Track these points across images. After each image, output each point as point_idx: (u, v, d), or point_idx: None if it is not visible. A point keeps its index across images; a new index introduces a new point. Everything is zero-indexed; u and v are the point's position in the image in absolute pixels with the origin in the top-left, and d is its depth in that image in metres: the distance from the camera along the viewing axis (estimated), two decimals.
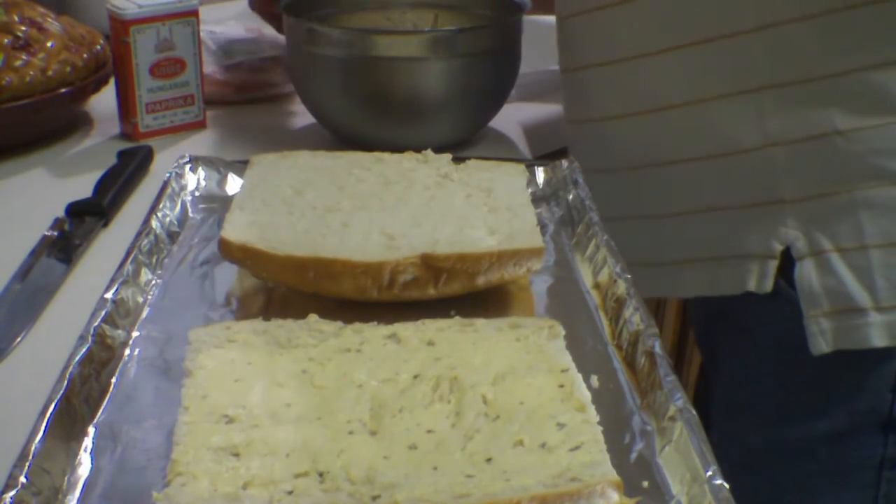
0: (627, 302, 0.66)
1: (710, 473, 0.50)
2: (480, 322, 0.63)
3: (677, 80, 0.89)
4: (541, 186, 0.86)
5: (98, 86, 1.04)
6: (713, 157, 0.90)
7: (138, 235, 0.72)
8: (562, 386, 0.57)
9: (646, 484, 0.52)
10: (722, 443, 0.93)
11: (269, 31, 1.17)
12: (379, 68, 0.93)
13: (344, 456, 0.51)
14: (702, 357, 1.15)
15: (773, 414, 0.95)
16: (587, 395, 0.56)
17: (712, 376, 1.05)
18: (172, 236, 0.77)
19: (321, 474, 0.50)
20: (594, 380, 0.60)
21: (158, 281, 0.71)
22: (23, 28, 0.99)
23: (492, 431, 0.53)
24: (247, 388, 0.56)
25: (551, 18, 1.03)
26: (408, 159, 0.83)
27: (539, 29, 1.16)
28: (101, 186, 0.88)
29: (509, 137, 1.05)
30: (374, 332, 0.62)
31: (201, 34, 1.03)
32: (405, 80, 0.94)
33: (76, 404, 0.56)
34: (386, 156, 0.83)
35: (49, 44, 0.99)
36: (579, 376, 0.58)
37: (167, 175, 0.82)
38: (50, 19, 1.03)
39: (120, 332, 0.64)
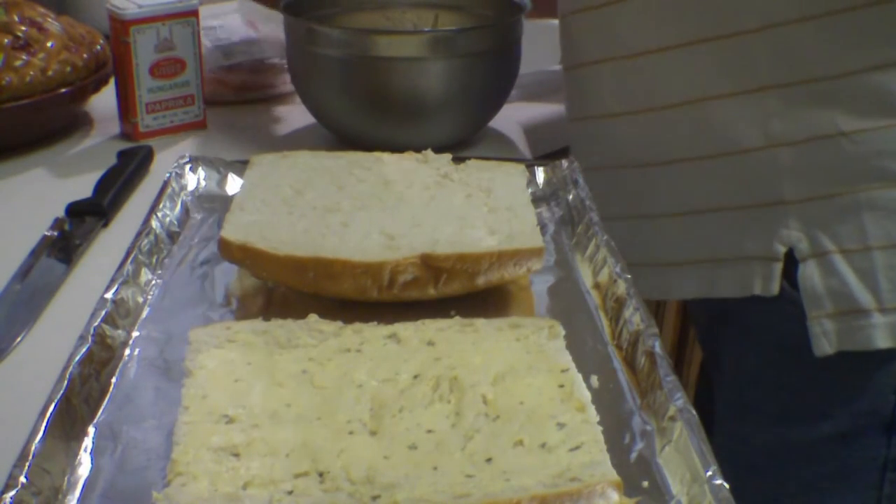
0: (627, 302, 0.66)
1: (710, 473, 0.50)
2: (480, 322, 0.63)
3: (679, 78, 0.89)
4: (541, 186, 0.86)
5: (98, 86, 1.04)
6: (715, 157, 0.90)
7: (138, 235, 0.72)
8: (562, 386, 0.57)
9: (646, 484, 0.52)
10: (725, 444, 0.93)
11: (266, 26, 1.17)
12: (379, 68, 0.93)
13: (344, 456, 0.51)
14: (703, 357, 1.15)
15: (776, 415, 0.95)
16: (587, 395, 0.56)
17: (714, 377, 1.05)
18: (172, 236, 0.77)
19: (321, 474, 0.50)
20: (594, 380, 0.60)
21: (158, 281, 0.71)
22: (23, 28, 0.99)
23: (492, 431, 0.53)
24: (247, 388, 0.56)
25: (551, 20, 1.03)
26: (408, 159, 0.83)
27: (539, 29, 1.16)
28: (101, 186, 0.88)
29: (509, 137, 1.05)
30: (374, 332, 0.62)
31: (201, 33, 1.03)
32: (405, 80, 0.94)
33: (76, 404, 0.56)
34: (386, 156, 0.83)
35: (49, 44, 0.99)
36: (579, 376, 0.58)
37: (167, 175, 0.82)
38: (50, 19, 1.03)
39: (120, 332, 0.64)
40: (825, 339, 0.87)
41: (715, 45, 0.86)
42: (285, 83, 1.14)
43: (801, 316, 0.87)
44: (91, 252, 0.80)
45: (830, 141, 0.85)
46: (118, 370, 0.61)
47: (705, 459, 0.51)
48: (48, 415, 0.53)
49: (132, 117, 1.01)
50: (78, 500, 0.51)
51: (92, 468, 0.53)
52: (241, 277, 0.72)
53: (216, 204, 0.82)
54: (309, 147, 0.85)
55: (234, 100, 1.13)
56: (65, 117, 1.04)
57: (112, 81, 1.03)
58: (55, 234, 0.81)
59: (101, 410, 0.58)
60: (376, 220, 0.72)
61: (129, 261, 0.69)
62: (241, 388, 0.56)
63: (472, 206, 0.75)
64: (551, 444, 0.52)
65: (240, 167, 0.84)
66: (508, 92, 1.02)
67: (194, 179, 0.84)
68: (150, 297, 0.70)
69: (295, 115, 1.08)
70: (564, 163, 0.86)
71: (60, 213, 0.84)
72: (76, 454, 0.54)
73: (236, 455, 0.51)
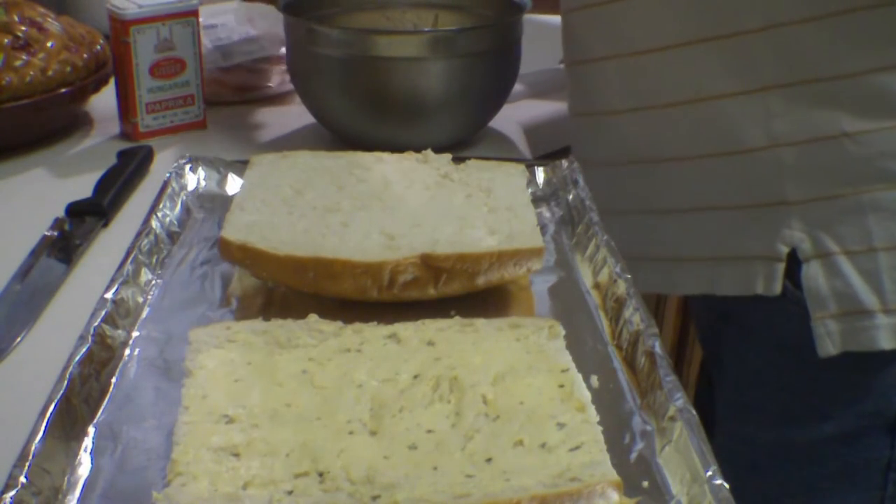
0: (627, 302, 0.66)
1: (710, 473, 0.50)
2: (480, 322, 0.63)
3: (682, 77, 0.89)
4: (541, 186, 0.86)
5: (98, 86, 1.04)
6: (717, 156, 0.89)
7: (138, 235, 0.72)
8: (562, 386, 0.57)
9: (646, 484, 0.52)
10: (726, 444, 0.93)
11: (264, 22, 1.17)
12: (379, 68, 0.93)
13: (344, 456, 0.51)
14: (704, 357, 1.15)
15: (777, 415, 0.95)
16: (587, 395, 0.56)
17: (715, 377, 1.05)
18: (172, 236, 0.77)
19: (321, 474, 0.50)
20: (594, 380, 0.60)
21: (158, 281, 0.71)
22: (23, 28, 0.99)
23: (492, 431, 0.53)
24: (247, 388, 0.56)
25: (551, 18, 1.03)
26: (408, 159, 0.83)
27: (539, 29, 1.16)
28: (101, 186, 0.88)
29: (509, 137, 1.05)
30: (374, 332, 0.62)
31: (201, 33, 1.03)
32: (405, 80, 0.94)
33: (76, 404, 0.56)
34: (386, 156, 0.83)
35: (49, 44, 0.99)
36: (579, 376, 0.58)
37: (167, 175, 0.82)
38: (50, 19, 1.03)
39: (120, 332, 0.64)
40: (829, 340, 0.87)
41: (718, 44, 0.86)
42: (285, 83, 1.14)
43: (804, 316, 0.87)
44: (91, 252, 0.80)
45: (834, 142, 0.85)
46: (118, 370, 0.61)
47: (705, 459, 0.51)
48: (48, 415, 0.53)
49: (132, 117, 1.01)
50: (78, 500, 0.51)
51: (92, 468, 0.53)
52: (241, 277, 0.72)
53: (216, 204, 0.82)
54: (309, 147, 0.85)
55: (233, 100, 1.13)
56: (65, 117, 1.04)
57: (112, 81, 1.03)
58: (55, 234, 0.81)
59: (101, 410, 0.58)
60: (376, 220, 0.72)
61: (129, 261, 0.69)
62: (241, 388, 0.56)
63: (472, 206, 0.75)
64: (551, 444, 0.52)
65: (240, 167, 0.84)
66: (508, 92, 1.02)
67: (194, 179, 0.84)
68: (150, 297, 0.70)
69: (295, 115, 1.08)
70: (564, 163, 0.86)
71: (60, 213, 0.84)
72: (76, 454, 0.54)
73: (236, 455, 0.51)
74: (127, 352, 0.63)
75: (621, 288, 0.67)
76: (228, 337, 0.61)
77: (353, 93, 0.95)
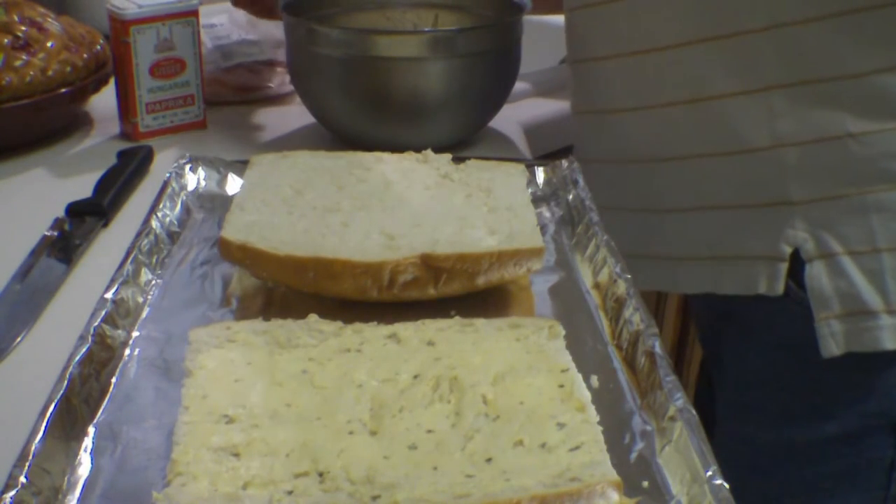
0: (627, 302, 0.66)
1: (710, 473, 0.50)
2: (480, 322, 0.63)
3: (685, 76, 0.89)
4: (541, 186, 0.86)
5: (98, 86, 1.04)
6: (720, 156, 0.89)
7: (138, 235, 0.72)
8: (562, 386, 0.57)
9: (646, 484, 0.52)
10: (727, 444, 0.93)
11: (264, 24, 1.17)
12: (379, 68, 0.93)
13: (344, 456, 0.51)
14: (704, 356, 1.15)
15: (778, 415, 0.95)
16: (587, 395, 0.56)
17: (715, 376, 1.05)
18: (172, 236, 0.77)
19: (321, 474, 0.50)
20: (594, 380, 0.60)
21: (158, 281, 0.71)
22: (23, 28, 0.99)
23: (492, 431, 0.53)
24: (247, 388, 0.56)
25: (551, 18, 1.03)
26: (408, 159, 0.83)
27: (539, 29, 1.16)
28: (101, 186, 0.88)
29: (509, 137, 1.05)
30: (374, 332, 0.62)
31: (201, 33, 1.03)
32: (405, 80, 0.94)
33: (76, 404, 0.56)
34: (386, 156, 0.83)
35: (49, 44, 0.99)
36: (579, 376, 0.58)
37: (167, 175, 0.82)
38: (50, 19, 1.03)
39: (120, 332, 0.64)
40: (833, 341, 0.87)
41: (721, 44, 0.86)
42: (285, 83, 1.14)
43: (806, 316, 0.87)
44: (91, 252, 0.80)
45: (837, 142, 0.84)
46: (118, 370, 0.61)
47: (705, 459, 0.51)
48: (48, 415, 0.53)
49: (132, 117, 1.01)
50: (78, 500, 0.51)
51: (92, 468, 0.53)
52: (241, 277, 0.72)
53: (216, 204, 0.82)
54: (309, 147, 0.85)
55: (233, 100, 1.13)
56: (65, 117, 1.04)
57: (112, 81, 1.03)
58: (55, 234, 0.81)
59: (101, 410, 0.58)
60: (376, 220, 0.72)
61: (129, 261, 0.69)
62: (241, 388, 0.56)
63: (472, 206, 0.75)
64: (551, 444, 0.52)
65: (240, 167, 0.84)
66: (508, 92, 1.03)
67: (194, 179, 0.84)
68: (150, 297, 0.70)
69: (295, 115, 1.08)
70: (564, 163, 0.86)
71: (60, 213, 0.84)
72: (76, 454, 0.54)
73: (236, 455, 0.51)
74: (127, 352, 0.63)
75: (621, 288, 0.67)
76: (228, 337, 0.61)
77: (353, 93, 0.95)
